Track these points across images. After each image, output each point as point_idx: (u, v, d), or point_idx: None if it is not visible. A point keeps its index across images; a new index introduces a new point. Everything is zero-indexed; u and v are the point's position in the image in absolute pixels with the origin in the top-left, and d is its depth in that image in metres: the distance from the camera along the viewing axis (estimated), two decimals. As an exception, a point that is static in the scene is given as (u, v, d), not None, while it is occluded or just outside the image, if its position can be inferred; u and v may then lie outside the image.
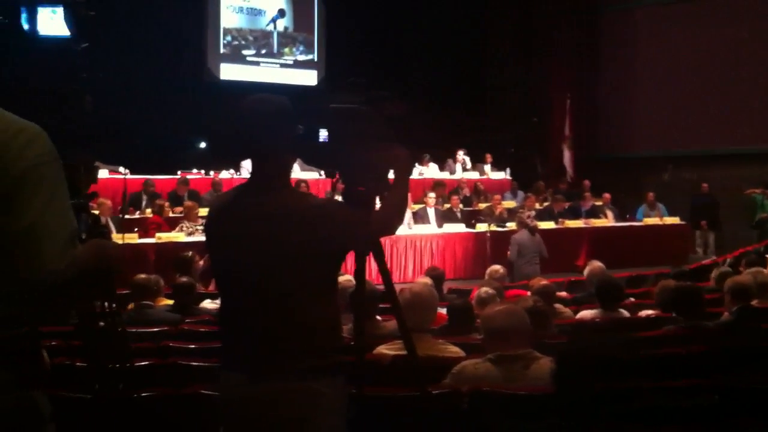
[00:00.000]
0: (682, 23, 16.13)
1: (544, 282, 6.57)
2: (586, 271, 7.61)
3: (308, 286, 2.44)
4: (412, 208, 13.09)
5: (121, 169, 12.47)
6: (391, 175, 2.75)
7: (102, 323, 2.50)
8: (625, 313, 5.90)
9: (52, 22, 2.31)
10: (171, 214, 11.95)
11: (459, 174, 16.29)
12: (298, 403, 2.39)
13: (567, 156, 18.03)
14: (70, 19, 2.36)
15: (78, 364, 2.41)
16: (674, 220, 14.21)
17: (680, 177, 16.29)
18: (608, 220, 14.01)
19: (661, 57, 16.54)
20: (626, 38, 17.59)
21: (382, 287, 5.65)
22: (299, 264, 2.40)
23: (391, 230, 2.73)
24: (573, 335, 3.63)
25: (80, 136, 2.09)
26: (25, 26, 2.22)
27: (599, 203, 14.68)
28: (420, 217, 12.81)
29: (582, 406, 1.69)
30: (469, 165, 16.78)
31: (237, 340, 2.52)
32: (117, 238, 9.79)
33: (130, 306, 5.67)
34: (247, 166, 13.65)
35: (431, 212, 12.95)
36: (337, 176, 2.82)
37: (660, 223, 14.05)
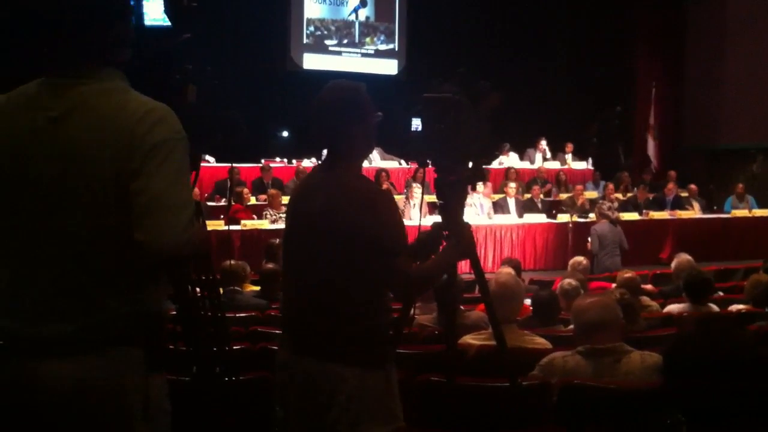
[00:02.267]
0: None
1: (629, 274, 6.45)
2: (673, 264, 7.44)
3: (344, 271, 2.46)
4: (492, 198, 13.02)
5: (208, 157, 12.77)
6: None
7: (201, 307, 2.56)
8: (715, 308, 5.76)
9: (157, 13, 2.37)
10: (254, 202, 12.16)
11: (539, 163, 16.11)
12: (321, 384, 2.44)
13: (651, 146, 17.63)
14: (169, 9, 2.42)
15: (180, 348, 2.47)
16: (764, 212, 13.77)
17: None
18: (695, 212, 13.65)
19: (750, 45, 15.97)
20: (714, 26, 17.04)
21: (465, 276, 5.67)
22: (338, 248, 2.44)
23: (416, 290, 2.74)
24: (683, 329, 3.54)
25: (184, 125, 2.13)
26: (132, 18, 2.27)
27: (685, 194, 14.32)
28: (500, 207, 12.73)
29: (691, 403, 1.66)
30: (549, 155, 16.57)
31: (285, 316, 2.68)
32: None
33: (220, 291, 5.79)
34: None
35: (511, 202, 12.86)
36: (429, 165, 2.84)
37: (749, 215, 13.62)
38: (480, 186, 12.27)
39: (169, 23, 2.38)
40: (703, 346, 1.66)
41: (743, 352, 1.67)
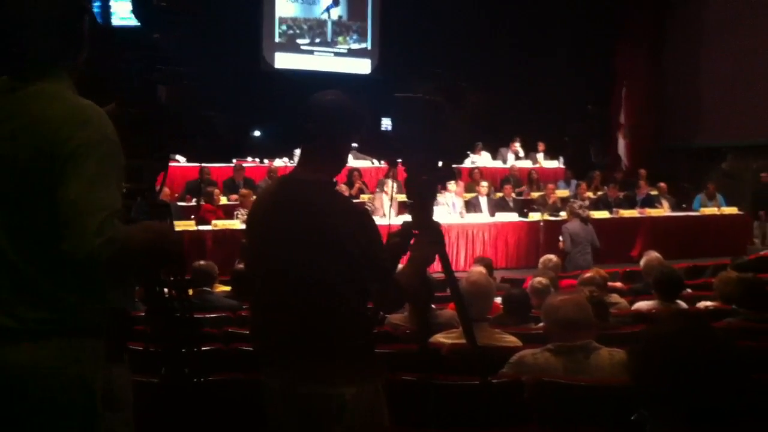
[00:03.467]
0: (750, 13, 15.71)
1: (589, 273, 6.52)
2: (642, 262, 7.51)
3: (339, 292, 2.37)
4: (464, 196, 13.07)
5: (178, 157, 12.71)
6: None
7: (171, 308, 2.55)
8: (684, 305, 5.82)
9: (125, 13, 2.36)
10: (226, 202, 12.11)
11: (511, 162, 16.20)
12: (324, 408, 2.36)
13: (622, 145, 17.79)
14: (138, 9, 2.41)
15: (150, 349, 2.46)
16: (732, 210, 13.94)
17: (741, 167, 15.94)
18: (664, 210, 13.79)
19: (726, 45, 16.15)
20: (692, 26, 17.21)
21: (436, 276, 5.69)
22: (332, 268, 2.35)
23: (405, 300, 2.67)
24: (650, 325, 3.58)
25: (153, 124, 2.13)
26: (99, 18, 2.27)
27: (654, 192, 14.47)
28: (472, 206, 12.78)
29: (657, 399, 1.67)
30: (522, 154, 16.67)
31: (272, 340, 2.50)
32: (176, 226, 9.95)
33: (191, 292, 5.77)
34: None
35: (483, 201, 12.91)
36: (398, 164, 2.84)
37: (718, 213, 13.78)
38: (452, 185, 12.33)
39: (137, 23, 2.37)
40: (675, 344, 1.68)
41: (718, 349, 1.69)
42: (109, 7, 2.33)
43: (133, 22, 2.35)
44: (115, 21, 2.36)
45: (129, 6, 2.33)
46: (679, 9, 17.76)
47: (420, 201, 2.80)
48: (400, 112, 2.72)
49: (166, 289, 2.54)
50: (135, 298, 3.15)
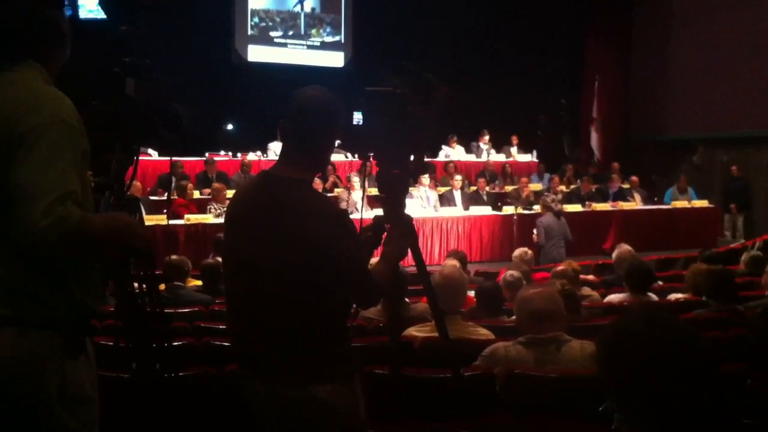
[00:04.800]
0: (718, 4, 15.85)
1: (562, 266, 6.57)
2: (614, 255, 7.59)
3: (317, 292, 2.34)
4: (438, 190, 13.11)
5: (150, 150, 12.61)
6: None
7: (140, 302, 2.53)
8: (654, 297, 5.88)
9: (93, 6, 2.34)
10: (198, 196, 12.04)
11: (485, 156, 16.26)
12: (299, 411, 2.35)
13: (594, 138, 17.92)
14: (105, 2, 2.39)
15: (118, 344, 2.44)
16: (703, 203, 14.10)
17: (712, 160, 16.11)
18: (636, 203, 13.92)
19: (696, 39, 16.30)
20: (661, 20, 17.35)
21: (410, 269, 5.71)
22: (310, 268, 2.31)
23: (382, 296, 2.67)
24: (617, 317, 3.61)
25: (119, 118, 2.11)
26: (67, 10, 2.24)
27: (627, 186, 14.59)
28: (446, 200, 12.81)
29: (623, 389, 1.69)
30: (486, 147, 16.67)
31: (249, 344, 2.47)
32: (148, 220, 9.89)
33: (162, 286, 5.74)
34: (274, 148, 13.70)
35: (457, 195, 12.95)
36: (371, 159, 2.83)
37: (689, 206, 13.93)
38: (426, 178, 12.36)
39: (104, 16, 2.34)
40: (640, 335, 1.69)
41: (683, 340, 1.70)
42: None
43: (101, 14, 2.33)
44: (83, 14, 2.33)
45: (96, -2, 2.31)
46: (647, 2, 17.90)
47: (392, 195, 2.79)
48: (370, 105, 2.71)
49: (136, 284, 2.52)
50: (106, 292, 3.11)
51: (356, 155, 2.87)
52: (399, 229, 2.74)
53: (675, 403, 1.63)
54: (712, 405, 1.67)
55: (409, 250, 2.86)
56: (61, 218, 1.90)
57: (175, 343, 3.40)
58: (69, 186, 1.96)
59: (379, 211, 2.84)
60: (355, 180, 12.16)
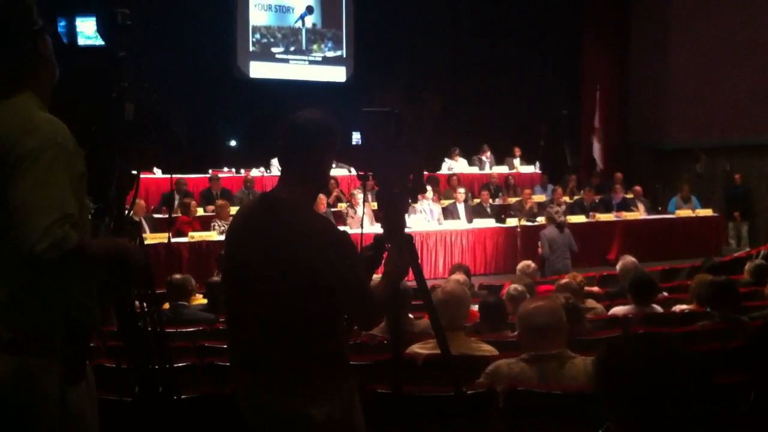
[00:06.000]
0: (716, 10, 15.86)
1: (566, 279, 6.56)
2: (618, 266, 7.59)
3: (315, 312, 2.36)
4: (442, 203, 13.11)
5: (154, 169, 12.63)
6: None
7: (141, 324, 2.54)
8: (659, 309, 5.87)
9: (91, 33, 2.35)
10: (202, 213, 12.06)
11: (488, 168, 16.27)
12: (289, 428, 2.37)
13: (597, 148, 17.91)
14: (103, 29, 2.40)
15: (122, 366, 2.45)
16: (707, 212, 14.07)
17: (715, 168, 16.09)
18: (639, 213, 13.90)
19: (695, 46, 16.30)
20: (659, 27, 17.35)
21: (412, 284, 5.71)
22: (288, 285, 2.34)
23: (382, 316, 2.68)
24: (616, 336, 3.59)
25: (118, 143, 2.13)
26: (64, 38, 2.27)
27: (630, 196, 14.57)
28: (450, 213, 12.81)
29: (624, 406, 1.69)
30: (493, 162, 16.68)
31: (246, 360, 2.49)
32: (151, 238, 9.91)
33: (166, 306, 5.74)
34: (277, 164, 13.69)
35: (461, 207, 12.95)
36: (370, 177, 2.85)
37: (692, 215, 13.90)
38: (429, 192, 12.37)
39: (102, 42, 2.36)
40: (633, 355, 1.69)
41: (676, 359, 1.70)
42: (74, 26, 2.32)
43: (99, 41, 2.35)
44: (81, 41, 2.35)
45: (94, 25, 2.33)
46: (644, 9, 17.91)
47: (391, 214, 2.81)
48: (367, 125, 2.72)
49: (137, 303, 2.53)
50: (106, 313, 3.12)
51: (357, 172, 2.88)
52: (399, 248, 2.75)
53: (670, 423, 1.63)
54: (708, 420, 1.67)
55: (410, 269, 2.88)
56: (58, 241, 1.94)
57: (178, 365, 3.39)
58: (66, 208, 1.99)
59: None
60: (359, 195, 12.17)
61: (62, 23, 2.32)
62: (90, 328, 2.23)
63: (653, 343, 1.69)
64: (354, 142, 2.81)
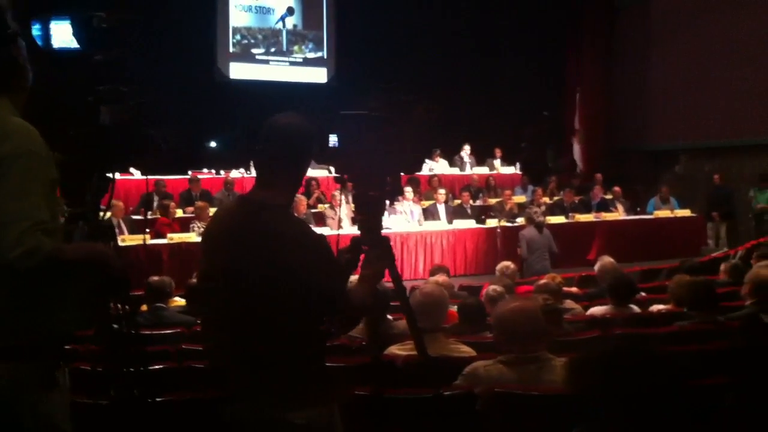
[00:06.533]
0: (698, 15, 15.98)
1: (544, 280, 6.58)
2: (596, 267, 7.62)
3: (297, 317, 2.36)
4: (422, 204, 13.12)
5: (132, 170, 12.55)
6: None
7: (116, 326, 2.53)
8: (637, 309, 5.90)
9: (66, 35, 2.34)
10: (181, 214, 12.01)
11: (469, 169, 16.31)
12: None
13: (577, 150, 18.00)
14: (78, 31, 2.39)
15: (97, 369, 2.44)
16: (685, 212, 14.16)
17: (695, 169, 16.20)
18: (619, 214, 13.97)
19: (677, 50, 16.41)
20: (642, 31, 17.47)
21: (390, 285, 5.71)
22: (289, 294, 2.33)
23: (360, 317, 2.69)
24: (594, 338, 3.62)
25: (94, 147, 2.12)
26: (39, 41, 2.25)
27: (609, 197, 14.64)
28: (430, 214, 12.82)
29: (599, 407, 1.70)
30: (473, 162, 16.72)
31: (215, 355, 2.51)
32: (130, 239, 9.86)
33: (144, 308, 5.71)
34: (256, 165, 13.64)
35: (441, 208, 12.96)
36: (347, 179, 2.85)
37: (671, 215, 13.99)
38: (410, 192, 12.38)
39: (78, 46, 2.35)
40: (606, 360, 1.71)
41: (649, 363, 1.72)
42: (48, 30, 2.30)
43: (74, 44, 2.33)
44: (56, 44, 2.33)
45: (69, 29, 2.32)
46: (628, 14, 18.03)
47: (368, 217, 2.81)
48: (345, 129, 2.73)
49: (113, 305, 2.52)
50: (85, 316, 3.11)
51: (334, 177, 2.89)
52: (376, 250, 2.75)
53: (645, 425, 1.65)
54: (685, 422, 1.68)
55: (386, 271, 2.88)
56: (31, 248, 1.93)
57: (156, 367, 3.38)
58: (39, 215, 1.98)
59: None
60: (340, 197, 12.16)
61: (37, 26, 2.30)
62: (71, 334, 2.22)
63: (628, 346, 1.71)
64: (331, 145, 2.82)
